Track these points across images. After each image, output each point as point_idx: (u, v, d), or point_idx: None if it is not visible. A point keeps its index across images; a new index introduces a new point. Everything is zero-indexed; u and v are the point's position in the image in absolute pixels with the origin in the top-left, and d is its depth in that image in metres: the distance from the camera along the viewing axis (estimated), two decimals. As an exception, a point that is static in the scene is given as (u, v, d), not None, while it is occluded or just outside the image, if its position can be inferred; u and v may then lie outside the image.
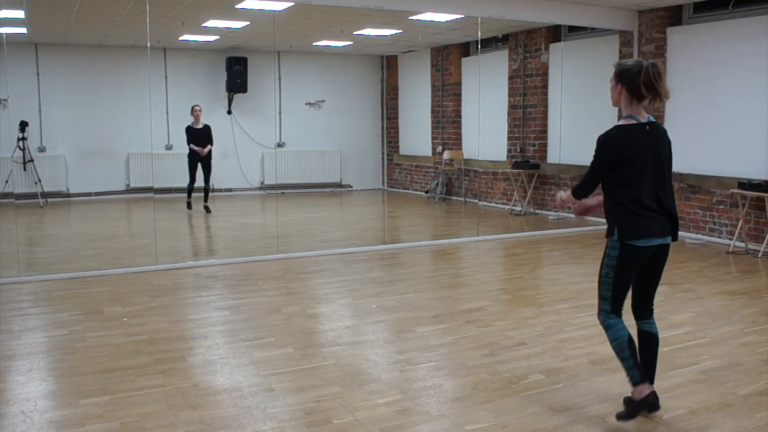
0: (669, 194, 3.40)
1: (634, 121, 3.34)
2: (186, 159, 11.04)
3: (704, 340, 4.77)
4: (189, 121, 11.03)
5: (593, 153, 3.39)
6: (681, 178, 8.94)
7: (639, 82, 3.26)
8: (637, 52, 9.42)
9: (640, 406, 3.38)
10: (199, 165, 10.92)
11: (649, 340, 3.54)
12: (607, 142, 3.33)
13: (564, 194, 3.62)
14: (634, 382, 3.37)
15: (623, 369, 3.42)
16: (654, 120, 3.42)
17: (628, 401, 3.44)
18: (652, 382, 3.48)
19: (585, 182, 3.44)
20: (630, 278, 3.42)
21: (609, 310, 3.42)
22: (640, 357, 3.46)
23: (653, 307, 3.58)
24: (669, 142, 3.46)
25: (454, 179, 13.33)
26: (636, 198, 3.30)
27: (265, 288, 6.37)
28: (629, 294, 3.50)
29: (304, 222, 10.63)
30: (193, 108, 10.97)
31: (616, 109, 3.56)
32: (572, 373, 4.03)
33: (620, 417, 3.42)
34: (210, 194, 11.31)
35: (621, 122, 3.38)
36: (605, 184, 3.40)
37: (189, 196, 11.17)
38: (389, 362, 4.34)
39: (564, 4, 8.91)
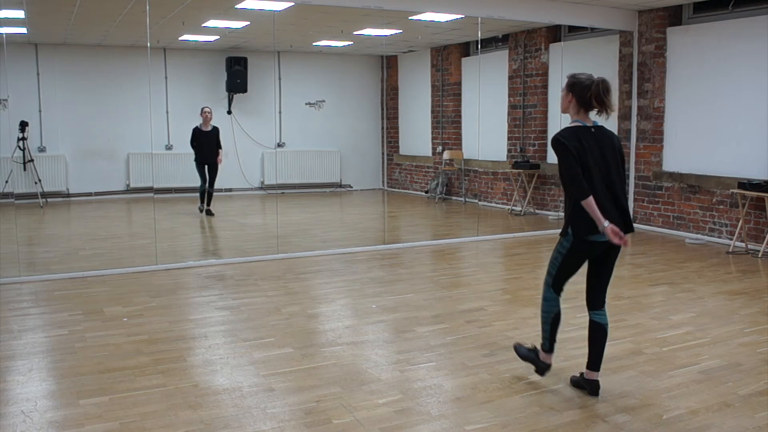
0: (621, 191, 3.70)
1: (580, 125, 3.70)
2: (193, 163, 10.80)
3: (704, 340, 4.77)
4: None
5: (557, 158, 3.66)
6: (681, 178, 8.95)
7: (589, 95, 3.63)
8: (637, 51, 9.43)
9: (535, 362, 3.95)
10: (206, 167, 10.71)
11: (598, 331, 3.81)
12: (559, 139, 3.64)
13: (600, 224, 3.57)
14: (544, 349, 3.91)
15: (540, 333, 3.92)
16: (600, 125, 3.74)
17: (534, 349, 3.98)
18: (596, 370, 3.79)
19: (572, 181, 3.58)
20: (576, 267, 3.78)
21: (550, 283, 3.84)
22: (589, 346, 3.81)
23: (605, 299, 3.84)
24: (619, 144, 3.77)
25: (454, 179, 13.33)
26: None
27: (265, 288, 6.37)
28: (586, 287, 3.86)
29: (304, 222, 10.62)
30: (202, 110, 10.72)
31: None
32: (572, 373, 4.02)
33: (517, 349, 4.08)
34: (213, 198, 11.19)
35: (568, 125, 3.73)
36: (564, 183, 3.68)
37: (202, 201, 10.86)
38: (389, 362, 4.34)
39: (564, 4, 8.91)
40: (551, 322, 3.84)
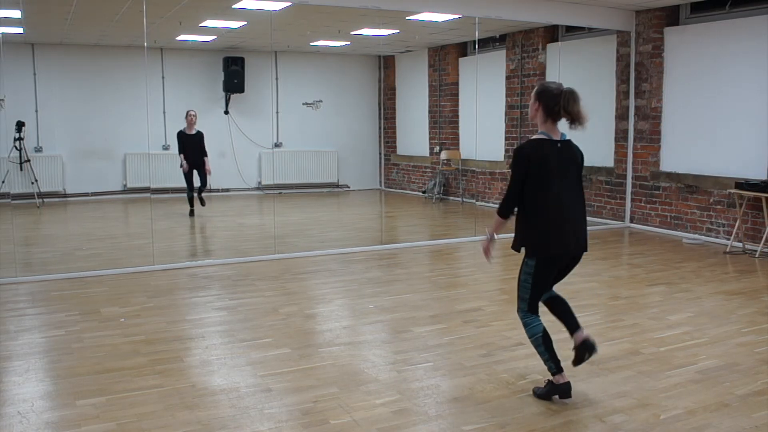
0: (581, 207, 3.72)
1: (546, 138, 3.63)
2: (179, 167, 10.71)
3: (702, 340, 4.77)
4: (186, 122, 10.80)
5: (510, 167, 3.70)
6: (678, 178, 8.96)
7: (556, 105, 3.55)
8: (634, 52, 9.43)
9: (556, 390, 3.69)
10: (195, 172, 10.64)
11: (555, 302, 3.86)
12: (520, 153, 3.63)
13: (488, 230, 3.80)
14: (552, 373, 3.69)
15: (542, 361, 3.73)
16: (568, 139, 3.69)
17: (548, 382, 3.74)
18: (579, 328, 3.78)
19: (508, 196, 3.67)
20: (547, 282, 3.75)
21: (526, 308, 3.76)
22: (559, 318, 3.84)
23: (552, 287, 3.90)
24: (582, 161, 3.75)
25: (451, 179, 13.34)
26: (546, 212, 3.61)
27: (263, 288, 6.36)
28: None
29: (302, 222, 10.62)
30: (187, 113, 10.68)
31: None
32: (570, 373, 4.01)
33: (537, 393, 3.77)
34: (205, 194, 11.09)
35: (534, 137, 3.67)
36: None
37: (191, 204, 10.82)
38: (387, 362, 4.34)
39: (561, 4, 8.91)
40: (542, 343, 3.69)
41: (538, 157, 3.57)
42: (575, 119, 3.55)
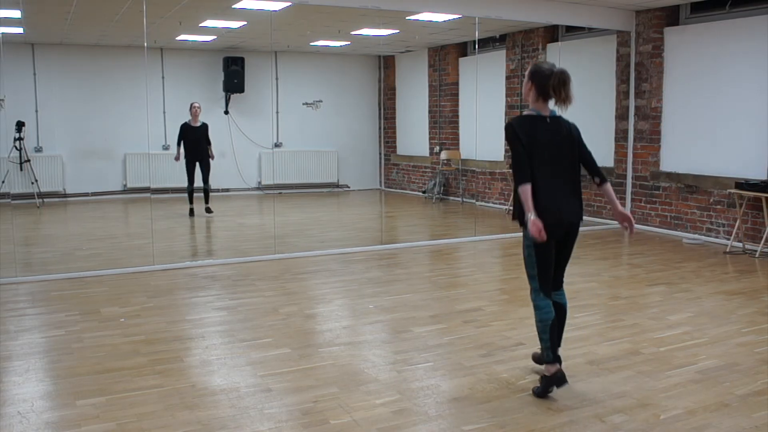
0: (576, 179, 3.79)
1: (535, 114, 3.75)
2: (182, 160, 10.73)
3: (702, 340, 4.77)
4: (186, 120, 10.81)
5: (507, 144, 3.80)
6: (679, 178, 8.96)
7: (548, 85, 3.67)
8: (634, 52, 9.43)
9: (552, 382, 3.74)
10: (198, 164, 10.69)
11: (558, 310, 3.85)
12: (509, 127, 3.72)
13: (527, 215, 3.61)
14: (547, 362, 3.75)
15: (541, 347, 3.80)
16: (558, 115, 3.80)
17: (542, 378, 3.79)
18: (558, 346, 3.81)
19: (516, 163, 3.66)
20: (550, 254, 3.74)
21: (538, 287, 3.77)
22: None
23: (563, 279, 3.93)
24: (577, 133, 3.81)
25: (451, 179, 13.34)
26: (538, 184, 3.63)
27: (263, 288, 6.36)
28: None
29: (302, 222, 10.61)
30: (191, 105, 10.70)
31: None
32: (570, 373, 4.02)
33: (536, 392, 3.78)
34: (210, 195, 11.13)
35: (524, 113, 3.82)
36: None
37: (191, 202, 10.80)
38: (387, 362, 4.34)
39: (562, 4, 8.91)
40: (549, 331, 3.72)
41: (525, 131, 3.66)
42: (562, 99, 3.67)
